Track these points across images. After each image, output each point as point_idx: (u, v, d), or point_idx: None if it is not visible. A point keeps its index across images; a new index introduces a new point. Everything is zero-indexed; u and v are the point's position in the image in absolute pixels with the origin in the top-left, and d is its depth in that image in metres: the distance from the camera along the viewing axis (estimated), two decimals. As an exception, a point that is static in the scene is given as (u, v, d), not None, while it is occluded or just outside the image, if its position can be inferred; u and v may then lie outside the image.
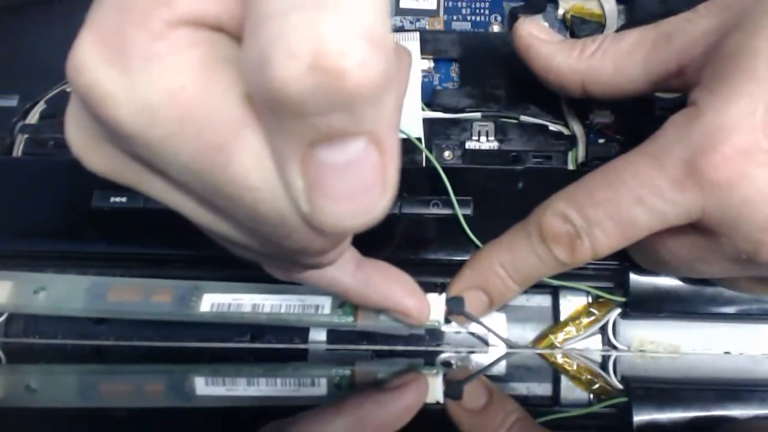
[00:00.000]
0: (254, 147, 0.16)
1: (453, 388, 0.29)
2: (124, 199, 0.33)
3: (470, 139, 0.36)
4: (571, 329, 0.34)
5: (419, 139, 0.34)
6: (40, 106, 0.38)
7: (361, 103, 0.14)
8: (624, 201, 0.26)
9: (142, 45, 0.15)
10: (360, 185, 0.16)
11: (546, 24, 0.38)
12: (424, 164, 0.35)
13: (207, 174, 0.16)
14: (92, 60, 0.16)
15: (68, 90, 0.38)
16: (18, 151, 0.36)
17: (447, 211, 0.32)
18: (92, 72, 0.16)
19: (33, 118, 0.37)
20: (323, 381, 0.30)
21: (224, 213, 0.18)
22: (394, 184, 0.16)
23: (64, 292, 0.30)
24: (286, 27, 0.13)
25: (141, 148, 0.16)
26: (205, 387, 0.29)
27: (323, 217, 0.16)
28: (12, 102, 0.38)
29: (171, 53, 0.15)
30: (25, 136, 0.36)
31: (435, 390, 0.29)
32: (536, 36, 0.32)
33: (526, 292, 0.35)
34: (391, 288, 0.27)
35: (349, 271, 0.26)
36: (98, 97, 0.16)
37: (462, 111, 0.36)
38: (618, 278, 0.32)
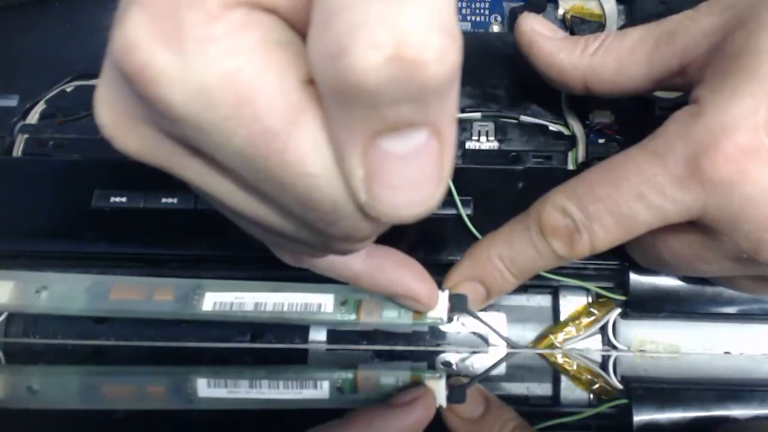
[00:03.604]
0: (312, 133, 0.16)
1: (456, 393, 0.29)
2: (124, 199, 0.33)
3: (470, 139, 0.36)
4: (571, 329, 0.34)
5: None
6: (40, 106, 0.38)
7: (433, 94, 0.14)
8: (624, 197, 0.26)
9: (198, 26, 0.15)
10: (419, 176, 0.16)
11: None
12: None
13: (260, 159, 0.16)
14: (145, 40, 0.15)
15: (68, 90, 0.38)
16: (18, 151, 0.36)
17: (447, 211, 0.32)
18: (145, 52, 0.15)
19: (33, 118, 0.37)
20: (326, 384, 0.30)
21: (269, 198, 0.18)
22: (449, 175, 0.17)
23: (65, 292, 0.30)
24: (367, 17, 0.13)
25: (191, 131, 0.16)
26: (207, 389, 0.29)
27: (380, 206, 0.16)
28: (12, 102, 0.38)
29: (227, 35, 0.15)
30: (25, 136, 0.36)
31: (437, 393, 0.29)
32: (539, 32, 0.32)
33: (526, 291, 0.35)
34: (402, 274, 0.27)
35: (361, 257, 0.26)
36: (150, 78, 0.15)
37: (462, 111, 0.36)
38: (618, 278, 0.32)
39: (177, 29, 0.15)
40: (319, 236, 0.19)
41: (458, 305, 0.30)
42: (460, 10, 0.40)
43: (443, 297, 0.29)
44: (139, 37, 0.15)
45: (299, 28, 0.16)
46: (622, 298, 0.32)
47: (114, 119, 0.18)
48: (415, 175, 0.16)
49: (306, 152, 0.16)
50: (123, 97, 0.17)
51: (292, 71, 0.16)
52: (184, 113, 0.16)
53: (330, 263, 0.26)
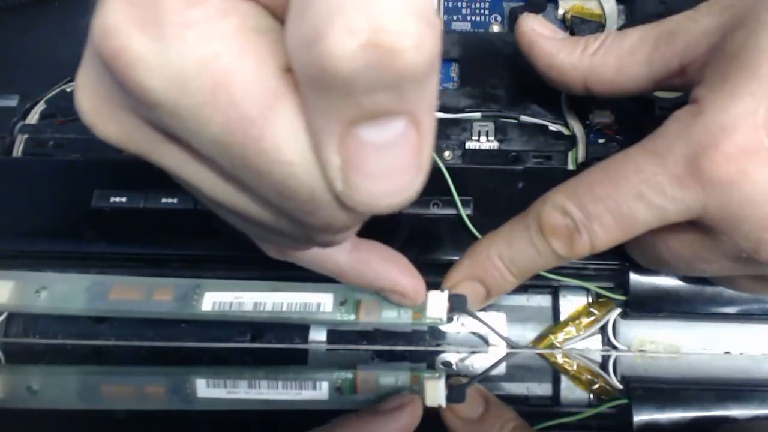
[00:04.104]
0: (289, 120, 0.16)
1: (455, 393, 0.29)
2: (124, 199, 0.33)
3: (470, 139, 0.36)
4: (571, 329, 0.34)
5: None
6: (40, 106, 0.38)
7: (410, 82, 0.14)
8: (624, 196, 0.26)
9: (177, 11, 0.15)
10: (397, 165, 0.16)
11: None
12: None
13: (237, 146, 0.16)
14: (123, 25, 0.15)
15: (68, 90, 0.38)
16: (18, 151, 0.36)
17: (447, 211, 0.32)
18: (123, 37, 0.15)
19: (33, 118, 0.37)
20: (325, 384, 0.30)
21: (246, 186, 0.18)
22: (428, 165, 0.16)
23: (65, 292, 0.30)
24: (344, 3, 0.13)
25: (168, 117, 0.16)
26: (206, 389, 0.29)
27: (357, 196, 0.16)
28: (12, 102, 0.38)
29: (206, 21, 0.15)
30: (25, 136, 0.36)
31: (437, 393, 0.29)
32: (539, 33, 0.32)
33: (526, 291, 0.35)
34: (387, 268, 0.27)
35: (345, 251, 0.26)
36: (128, 62, 0.15)
37: (462, 111, 0.36)
38: (618, 278, 0.32)
39: (155, 14, 0.15)
40: (298, 227, 0.19)
41: (457, 306, 0.30)
42: (460, 10, 0.40)
43: (443, 297, 0.29)
44: (117, 22, 0.15)
45: (279, 15, 0.16)
46: (622, 298, 0.32)
47: (93, 106, 0.18)
48: (393, 165, 0.16)
49: (283, 140, 0.16)
50: (102, 83, 0.17)
51: (270, 58, 0.16)
52: (160, 99, 0.16)
53: (314, 256, 0.26)
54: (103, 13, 0.16)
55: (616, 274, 0.32)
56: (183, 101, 0.16)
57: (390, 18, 0.13)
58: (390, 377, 0.33)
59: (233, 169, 0.17)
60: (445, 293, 0.30)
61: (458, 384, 0.31)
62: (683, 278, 0.31)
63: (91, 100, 0.18)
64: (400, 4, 0.13)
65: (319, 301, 0.30)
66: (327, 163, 0.16)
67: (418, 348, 0.34)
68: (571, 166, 0.35)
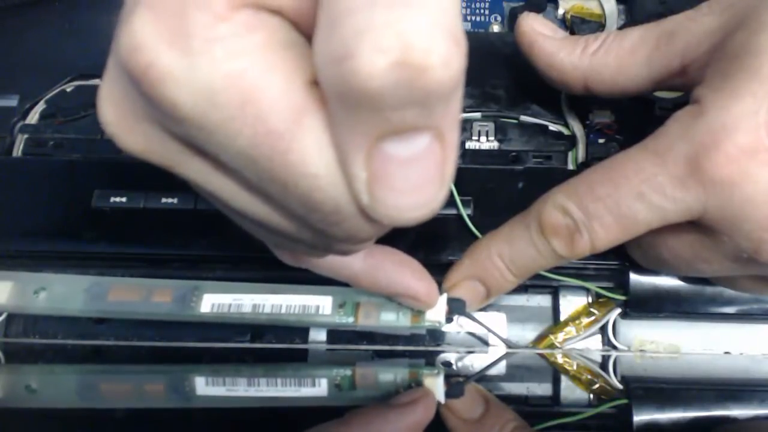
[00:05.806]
0: (316, 134, 0.16)
1: (454, 389, 0.29)
2: (124, 199, 0.33)
3: (470, 139, 0.36)
4: (571, 329, 0.34)
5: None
6: (40, 106, 0.38)
7: (437, 99, 0.14)
8: (624, 196, 0.26)
9: (205, 26, 0.15)
10: (421, 179, 0.16)
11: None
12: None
13: (264, 159, 0.16)
14: (151, 40, 0.15)
15: (68, 90, 0.38)
16: (18, 151, 0.36)
17: (448, 211, 0.32)
18: (151, 52, 0.15)
19: (33, 118, 0.37)
20: (324, 382, 0.30)
21: (271, 198, 0.18)
22: (451, 179, 0.17)
23: (64, 292, 0.30)
24: (373, 21, 0.13)
25: (195, 130, 0.16)
26: (206, 387, 0.29)
27: (383, 209, 0.16)
28: (12, 102, 0.38)
29: (233, 36, 0.15)
30: (25, 136, 0.36)
31: (436, 390, 0.29)
32: (539, 32, 0.32)
33: (526, 291, 0.35)
34: (401, 273, 0.28)
35: (360, 257, 0.26)
36: (156, 78, 0.16)
37: (462, 111, 0.36)
38: (618, 278, 0.32)
39: (183, 29, 0.15)
40: (320, 237, 0.19)
41: (456, 309, 0.30)
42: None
43: (441, 300, 0.29)
44: (145, 37, 0.15)
45: (304, 29, 0.17)
46: (622, 298, 0.32)
47: (117, 118, 0.18)
48: (418, 179, 0.16)
49: (309, 153, 0.16)
50: (127, 95, 0.18)
51: (296, 72, 0.16)
52: (188, 113, 0.16)
53: (329, 263, 0.26)
54: (129, 27, 0.16)
55: (616, 274, 0.32)
56: (211, 116, 0.16)
57: (419, 36, 0.13)
58: (390, 376, 0.33)
59: (259, 182, 0.17)
60: (444, 296, 0.30)
61: (456, 381, 0.31)
62: (683, 278, 0.31)
63: (115, 112, 0.18)
64: (428, 23, 0.13)
65: (318, 304, 0.30)
66: (353, 176, 0.16)
67: (418, 348, 0.34)
68: (571, 166, 0.35)
